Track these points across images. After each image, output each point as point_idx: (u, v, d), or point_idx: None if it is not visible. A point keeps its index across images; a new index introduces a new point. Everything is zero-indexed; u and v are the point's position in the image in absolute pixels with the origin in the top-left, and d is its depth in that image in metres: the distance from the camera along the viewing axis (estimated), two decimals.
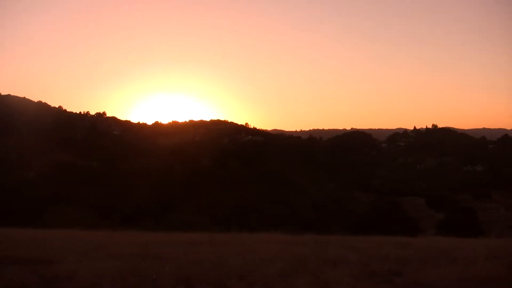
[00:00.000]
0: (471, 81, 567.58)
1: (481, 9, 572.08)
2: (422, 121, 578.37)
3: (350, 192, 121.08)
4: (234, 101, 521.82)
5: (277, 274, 10.59)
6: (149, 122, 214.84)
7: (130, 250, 15.13)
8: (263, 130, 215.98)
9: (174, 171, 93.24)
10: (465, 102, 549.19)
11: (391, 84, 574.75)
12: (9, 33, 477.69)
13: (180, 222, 56.87)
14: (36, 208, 59.12)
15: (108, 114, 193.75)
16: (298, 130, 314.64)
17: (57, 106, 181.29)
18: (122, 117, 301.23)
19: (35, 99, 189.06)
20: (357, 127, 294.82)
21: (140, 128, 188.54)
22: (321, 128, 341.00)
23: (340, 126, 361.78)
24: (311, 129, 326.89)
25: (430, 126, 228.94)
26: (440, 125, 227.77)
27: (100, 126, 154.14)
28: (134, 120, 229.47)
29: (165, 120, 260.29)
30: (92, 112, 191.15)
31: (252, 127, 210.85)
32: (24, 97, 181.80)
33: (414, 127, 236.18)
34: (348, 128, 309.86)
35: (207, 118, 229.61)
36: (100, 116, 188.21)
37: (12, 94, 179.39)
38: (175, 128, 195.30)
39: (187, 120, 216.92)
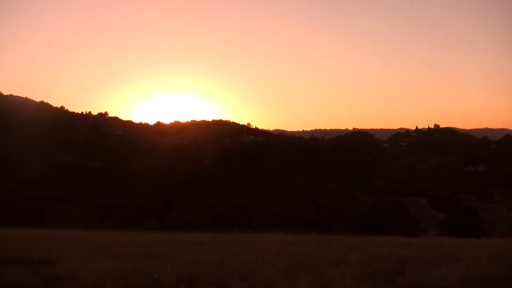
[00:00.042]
0: (473, 81, 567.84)
1: (482, 9, 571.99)
2: (424, 121, 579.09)
3: (352, 192, 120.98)
4: (236, 101, 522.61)
5: (278, 274, 10.58)
6: (151, 122, 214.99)
7: (132, 250, 15.14)
8: (265, 130, 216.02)
9: (176, 171, 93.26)
10: (467, 102, 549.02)
11: (393, 84, 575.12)
12: (11, 33, 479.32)
13: (182, 222, 56.96)
14: (37, 208, 59.20)
15: (110, 114, 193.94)
16: (300, 130, 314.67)
17: (59, 106, 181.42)
18: (124, 117, 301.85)
19: (37, 99, 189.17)
20: (359, 127, 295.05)
21: (142, 128, 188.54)
22: (323, 128, 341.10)
23: (342, 126, 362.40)
24: (313, 129, 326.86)
25: (432, 126, 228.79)
26: (442, 125, 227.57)
27: (102, 126, 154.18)
28: (136, 120, 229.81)
29: (167, 120, 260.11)
30: (94, 112, 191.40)
31: (254, 127, 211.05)
32: (26, 97, 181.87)
33: (416, 127, 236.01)
34: (350, 128, 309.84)
35: (209, 118, 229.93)
36: (102, 116, 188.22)
37: (14, 94, 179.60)
38: (177, 128, 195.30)
39: (189, 120, 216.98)
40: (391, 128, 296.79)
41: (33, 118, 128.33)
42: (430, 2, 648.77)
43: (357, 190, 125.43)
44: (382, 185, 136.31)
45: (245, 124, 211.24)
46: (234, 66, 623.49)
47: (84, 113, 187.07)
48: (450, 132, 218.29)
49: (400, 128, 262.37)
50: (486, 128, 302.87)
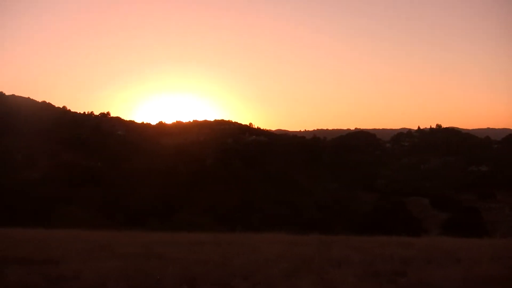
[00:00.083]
0: (475, 81, 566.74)
1: (484, 9, 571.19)
2: (426, 121, 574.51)
3: (354, 192, 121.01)
4: (238, 101, 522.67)
5: (281, 274, 10.59)
6: (153, 122, 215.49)
7: (135, 250, 15.14)
8: (267, 130, 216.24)
9: (178, 171, 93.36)
10: (469, 102, 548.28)
11: (395, 84, 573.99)
12: (13, 33, 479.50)
13: (184, 222, 57.02)
14: (41, 208, 59.31)
15: (112, 114, 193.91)
16: (302, 130, 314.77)
17: (61, 106, 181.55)
18: (126, 117, 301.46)
19: (39, 99, 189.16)
20: (361, 127, 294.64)
21: (144, 128, 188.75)
22: (325, 128, 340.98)
23: (344, 126, 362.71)
24: (315, 129, 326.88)
25: (434, 126, 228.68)
26: (444, 125, 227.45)
27: (104, 126, 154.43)
28: (138, 120, 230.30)
29: (169, 120, 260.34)
30: (96, 112, 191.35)
31: (256, 127, 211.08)
32: (28, 97, 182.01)
33: (418, 127, 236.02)
34: (352, 128, 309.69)
35: (211, 118, 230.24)
36: (104, 116, 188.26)
37: (16, 94, 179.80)
38: (179, 128, 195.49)
39: (191, 120, 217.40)
40: (393, 128, 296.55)
41: (35, 118, 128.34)
42: (430, 2, 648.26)
43: (359, 190, 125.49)
44: (384, 185, 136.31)
45: (247, 124, 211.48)
46: (236, 66, 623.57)
47: (86, 113, 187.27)
48: (452, 132, 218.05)
49: (402, 128, 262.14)
50: (489, 128, 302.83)
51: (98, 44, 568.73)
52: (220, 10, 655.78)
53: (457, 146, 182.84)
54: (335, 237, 19.84)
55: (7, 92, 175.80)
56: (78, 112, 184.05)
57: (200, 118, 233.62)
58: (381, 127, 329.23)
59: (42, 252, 14.36)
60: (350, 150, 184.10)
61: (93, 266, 11.51)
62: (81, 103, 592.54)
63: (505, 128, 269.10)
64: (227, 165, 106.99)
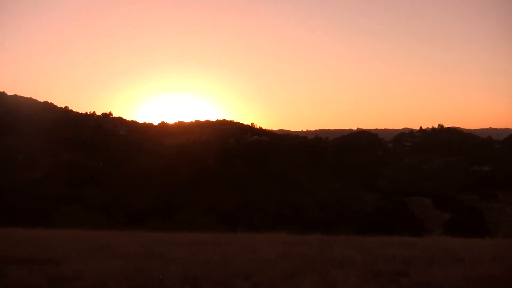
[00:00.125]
0: (477, 81, 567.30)
1: (486, 8, 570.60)
2: (428, 121, 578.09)
3: (356, 192, 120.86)
4: (240, 101, 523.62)
5: (282, 274, 10.57)
6: (155, 122, 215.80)
7: (136, 250, 15.13)
8: (269, 130, 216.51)
9: (179, 171, 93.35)
10: (471, 102, 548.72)
11: (397, 84, 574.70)
12: (15, 33, 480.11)
13: (186, 222, 56.93)
14: (42, 208, 59.33)
15: (114, 114, 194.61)
16: (304, 130, 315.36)
17: (63, 107, 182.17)
18: (128, 117, 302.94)
19: (41, 99, 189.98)
20: (363, 127, 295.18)
21: (146, 128, 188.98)
22: (327, 128, 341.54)
23: (346, 126, 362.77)
24: (317, 129, 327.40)
25: (436, 126, 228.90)
26: (446, 125, 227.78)
27: (106, 126, 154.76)
28: (140, 120, 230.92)
29: (171, 120, 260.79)
30: (98, 112, 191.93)
31: (258, 127, 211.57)
32: (30, 98, 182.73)
33: (420, 127, 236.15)
34: (354, 128, 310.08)
35: (213, 118, 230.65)
36: (106, 116, 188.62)
37: (18, 94, 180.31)
38: (181, 128, 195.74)
39: (193, 120, 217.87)
40: (395, 128, 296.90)
41: (37, 118, 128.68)
42: (430, 2, 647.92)
43: (361, 190, 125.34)
44: (386, 185, 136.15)
45: (249, 124, 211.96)
46: (238, 66, 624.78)
47: (88, 113, 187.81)
48: (454, 132, 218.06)
49: (404, 128, 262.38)
50: (490, 128, 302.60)
51: (100, 44, 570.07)
52: (222, 10, 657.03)
53: (459, 146, 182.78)
54: (336, 237, 19.80)
55: (9, 92, 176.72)
56: (80, 112, 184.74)
57: (202, 118, 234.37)
58: (383, 127, 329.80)
59: (42, 252, 14.36)
60: (352, 150, 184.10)
61: (94, 266, 11.50)
62: (83, 103, 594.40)
63: (507, 128, 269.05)
64: (229, 165, 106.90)
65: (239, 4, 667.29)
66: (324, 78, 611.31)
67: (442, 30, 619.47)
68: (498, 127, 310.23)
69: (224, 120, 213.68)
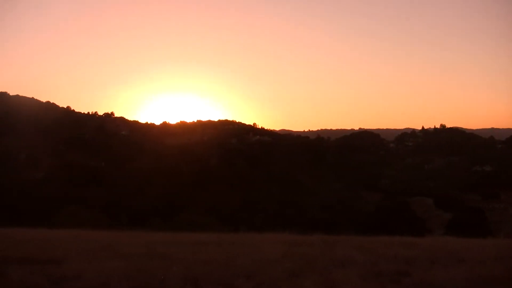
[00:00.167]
0: (479, 81, 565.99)
1: (486, 8, 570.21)
2: (430, 121, 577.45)
3: (358, 192, 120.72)
4: (242, 101, 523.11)
5: (284, 274, 10.57)
6: (157, 122, 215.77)
7: (138, 250, 15.13)
8: (271, 130, 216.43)
9: (181, 171, 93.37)
10: (474, 102, 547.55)
11: (399, 84, 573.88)
12: (16, 33, 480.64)
13: (188, 222, 56.84)
14: (43, 208, 59.30)
15: (116, 114, 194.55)
16: (306, 130, 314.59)
17: (65, 107, 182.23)
18: (130, 117, 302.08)
19: (43, 99, 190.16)
20: (365, 127, 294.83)
21: (148, 128, 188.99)
22: (329, 128, 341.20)
23: (348, 126, 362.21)
24: (319, 129, 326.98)
25: (438, 126, 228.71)
26: (448, 125, 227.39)
27: (108, 126, 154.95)
28: (142, 120, 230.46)
29: (173, 120, 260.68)
30: (100, 112, 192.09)
31: (260, 127, 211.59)
32: (32, 98, 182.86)
33: (422, 127, 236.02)
34: (356, 128, 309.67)
35: (215, 118, 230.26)
36: (108, 116, 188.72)
37: (20, 94, 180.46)
38: (183, 128, 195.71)
39: (195, 120, 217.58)
40: (397, 128, 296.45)
41: (39, 118, 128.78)
42: (431, 2, 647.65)
43: (363, 190, 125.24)
44: (388, 185, 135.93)
45: (251, 124, 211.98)
46: (240, 66, 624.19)
47: (90, 113, 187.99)
48: (456, 132, 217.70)
49: (406, 128, 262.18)
50: (493, 128, 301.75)
51: (102, 44, 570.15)
52: (224, 10, 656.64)
53: (461, 146, 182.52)
54: (338, 237, 19.79)
55: (11, 92, 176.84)
56: (82, 112, 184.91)
57: (204, 118, 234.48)
58: (385, 127, 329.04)
59: (44, 252, 14.36)
60: (354, 150, 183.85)
61: (95, 266, 11.50)
62: (85, 103, 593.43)
63: (509, 128, 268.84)
64: (231, 165, 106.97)
65: (241, 4, 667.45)
66: (326, 78, 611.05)
67: (444, 30, 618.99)
68: (500, 127, 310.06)
69: (226, 120, 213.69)
